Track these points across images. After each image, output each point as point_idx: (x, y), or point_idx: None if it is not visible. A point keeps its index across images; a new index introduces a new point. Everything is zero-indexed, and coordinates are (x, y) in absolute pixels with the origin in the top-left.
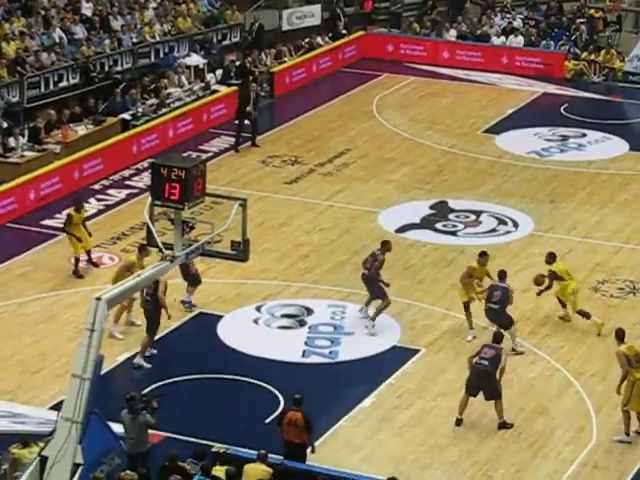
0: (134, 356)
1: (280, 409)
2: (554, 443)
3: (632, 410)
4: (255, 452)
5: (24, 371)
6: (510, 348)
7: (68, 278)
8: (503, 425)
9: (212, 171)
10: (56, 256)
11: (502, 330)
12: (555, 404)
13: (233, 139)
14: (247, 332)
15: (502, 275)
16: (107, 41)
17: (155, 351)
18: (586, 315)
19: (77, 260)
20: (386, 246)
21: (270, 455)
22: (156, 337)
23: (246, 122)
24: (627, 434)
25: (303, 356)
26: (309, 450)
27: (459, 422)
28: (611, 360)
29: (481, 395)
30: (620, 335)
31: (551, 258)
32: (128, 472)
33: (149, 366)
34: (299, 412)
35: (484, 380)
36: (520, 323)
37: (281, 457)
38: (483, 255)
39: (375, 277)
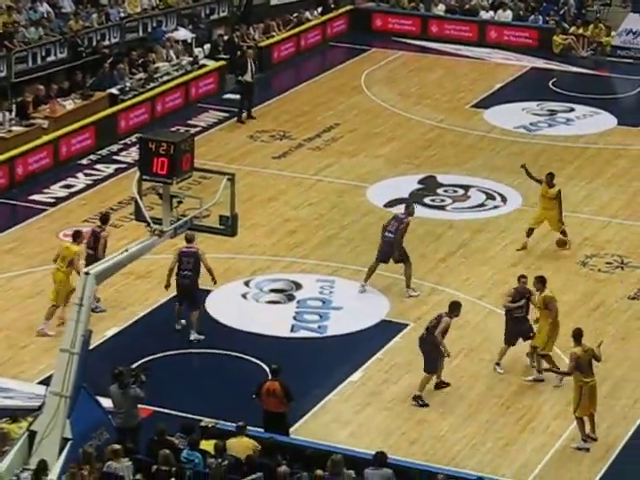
0: (124, 331)
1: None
2: (542, 417)
3: (582, 415)
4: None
5: (13, 345)
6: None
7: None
8: (417, 399)
9: (200, 146)
10: (44, 230)
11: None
12: (543, 378)
13: (221, 113)
14: (236, 307)
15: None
16: (95, 15)
17: (184, 322)
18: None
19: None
20: (410, 209)
21: (258, 429)
22: (145, 311)
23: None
24: (584, 440)
25: (292, 331)
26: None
27: (420, 399)
28: (599, 334)
29: (470, 368)
30: (577, 335)
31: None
32: (115, 446)
33: (203, 337)
34: (277, 382)
35: (421, 351)
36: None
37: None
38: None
39: (399, 242)
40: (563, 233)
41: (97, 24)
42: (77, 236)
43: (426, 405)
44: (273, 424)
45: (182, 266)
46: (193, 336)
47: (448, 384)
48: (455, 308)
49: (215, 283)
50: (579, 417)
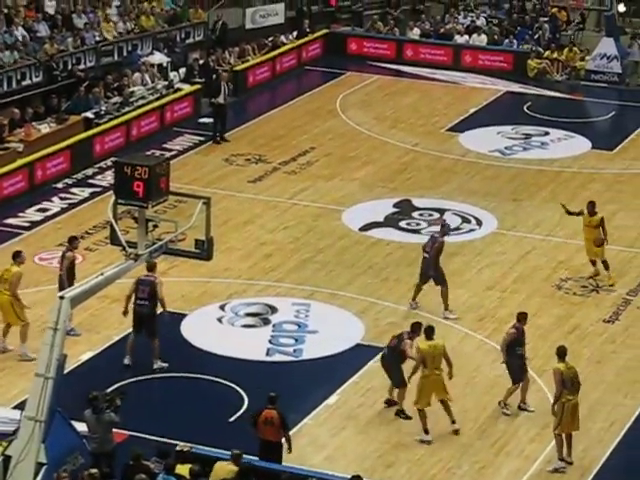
0: (99, 355)
1: (244, 408)
2: (517, 441)
3: (562, 432)
4: (221, 451)
5: None
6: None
7: (31, 277)
8: (400, 413)
9: (176, 169)
10: None
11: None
12: (518, 402)
13: (197, 137)
14: (211, 331)
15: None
16: (70, 39)
17: (132, 360)
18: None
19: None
20: (444, 229)
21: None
22: (120, 335)
23: (210, 120)
24: (561, 459)
25: (267, 354)
26: (286, 449)
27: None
28: (574, 357)
29: (452, 391)
30: (561, 353)
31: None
32: (92, 471)
33: (166, 365)
34: (274, 410)
35: (384, 369)
36: (485, 320)
37: (249, 456)
38: None
39: (435, 262)
40: (604, 263)
41: (72, 48)
42: (16, 256)
43: (409, 418)
44: (270, 453)
45: (138, 294)
46: (156, 365)
47: (409, 417)
48: (417, 329)
49: (163, 311)
50: (559, 434)
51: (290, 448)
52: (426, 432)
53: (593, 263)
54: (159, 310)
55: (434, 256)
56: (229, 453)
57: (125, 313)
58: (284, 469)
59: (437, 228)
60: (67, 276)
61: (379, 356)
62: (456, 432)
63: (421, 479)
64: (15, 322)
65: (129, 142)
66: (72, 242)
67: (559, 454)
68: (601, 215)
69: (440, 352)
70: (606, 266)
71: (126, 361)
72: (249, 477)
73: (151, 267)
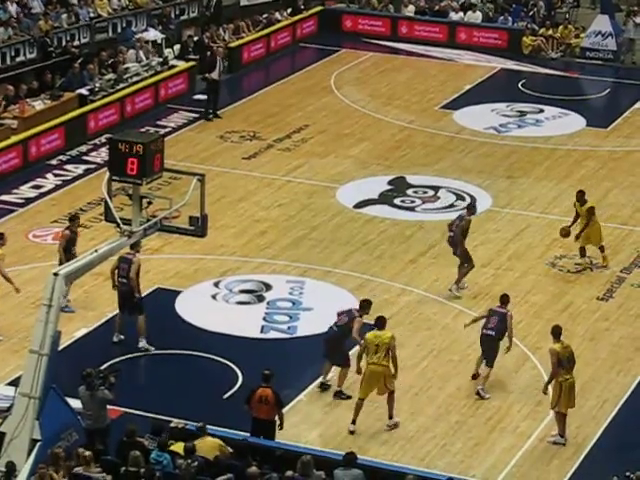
0: (93, 332)
1: (238, 385)
2: (511, 417)
3: (561, 410)
4: (215, 428)
5: None
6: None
7: (25, 253)
8: (339, 394)
9: (170, 146)
10: (13, 231)
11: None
12: (512, 379)
13: (191, 114)
14: (205, 308)
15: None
16: (64, 15)
17: (123, 336)
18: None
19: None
20: (472, 209)
21: (231, 430)
22: (114, 312)
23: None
24: (561, 435)
25: (262, 332)
26: (277, 425)
27: (323, 386)
28: (568, 335)
29: (440, 369)
30: (556, 332)
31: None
32: (85, 453)
33: (153, 349)
34: (269, 388)
35: (329, 346)
36: (479, 298)
37: (243, 433)
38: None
39: (460, 240)
40: (601, 249)
41: (67, 24)
42: (0, 237)
43: (349, 397)
44: (263, 432)
45: (119, 272)
46: (141, 343)
47: (349, 396)
48: (367, 306)
49: (135, 297)
50: (559, 412)
51: (282, 425)
52: (353, 422)
53: (582, 251)
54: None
55: (459, 235)
56: (224, 430)
57: (114, 287)
58: (278, 446)
59: (431, 205)
60: (64, 255)
61: (325, 338)
62: (395, 425)
63: (415, 456)
64: None
65: (123, 119)
66: (72, 221)
67: (560, 429)
68: (590, 204)
69: (385, 344)
70: (602, 249)
71: (115, 339)
72: (245, 454)
73: (133, 245)
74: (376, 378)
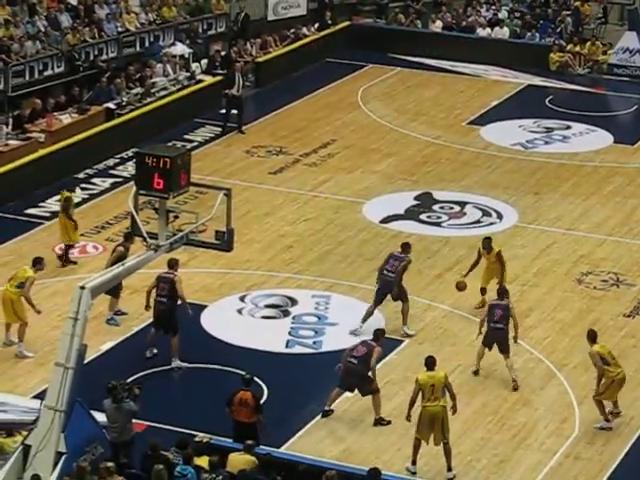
0: (119, 345)
1: (263, 399)
2: (537, 434)
3: (606, 400)
4: (233, 440)
5: (7, 359)
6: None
7: (52, 266)
8: (379, 421)
9: (197, 161)
10: (40, 245)
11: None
12: (538, 395)
13: (218, 129)
14: (231, 322)
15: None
16: (88, 29)
17: (156, 350)
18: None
19: (68, 247)
20: (408, 249)
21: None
22: (140, 326)
23: (233, 112)
24: (607, 420)
25: (287, 346)
26: (263, 432)
27: (326, 413)
28: (594, 390)
29: (466, 385)
30: (592, 336)
31: (489, 244)
32: (108, 464)
33: (187, 365)
34: (249, 392)
35: (354, 378)
36: None
37: (268, 447)
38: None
39: (399, 280)
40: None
41: (92, 38)
42: (37, 262)
43: (389, 422)
44: (244, 435)
45: (158, 291)
46: (175, 363)
47: (389, 421)
48: (382, 335)
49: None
50: (599, 400)
51: (264, 430)
52: (413, 462)
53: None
54: (180, 303)
55: (400, 274)
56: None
57: (147, 307)
58: (302, 461)
59: (457, 221)
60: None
61: (343, 367)
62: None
63: (440, 472)
64: (13, 320)
65: (150, 133)
66: (127, 239)
67: (604, 415)
68: (497, 249)
69: (442, 383)
70: (483, 291)
71: (148, 354)
72: (269, 468)
73: (172, 264)
74: (436, 419)
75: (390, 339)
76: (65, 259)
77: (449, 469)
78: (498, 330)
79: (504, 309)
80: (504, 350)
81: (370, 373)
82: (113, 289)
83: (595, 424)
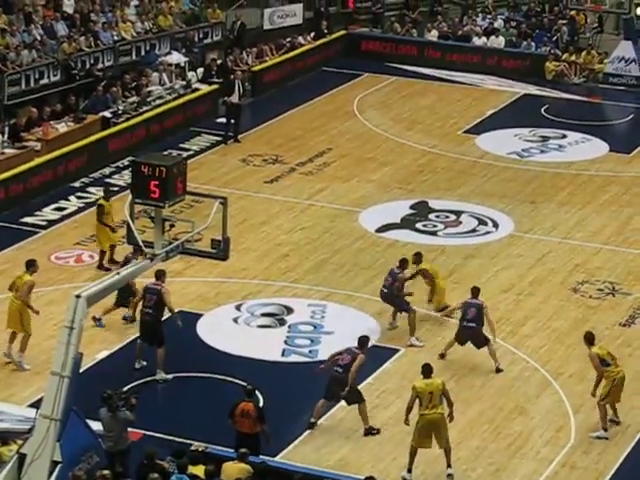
0: (114, 354)
1: (261, 404)
2: (533, 443)
3: (611, 403)
4: (234, 451)
5: (3, 368)
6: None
7: (47, 275)
8: (369, 431)
9: (193, 169)
10: (35, 253)
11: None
12: (534, 404)
13: (214, 137)
14: (227, 331)
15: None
16: (84, 38)
17: (145, 362)
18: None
19: (103, 253)
20: (405, 265)
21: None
22: (137, 334)
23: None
24: (605, 429)
25: (283, 355)
26: (265, 442)
27: (312, 426)
28: (589, 361)
29: (462, 394)
30: (589, 338)
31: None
32: (104, 472)
33: (170, 377)
34: (251, 402)
35: (340, 387)
36: (500, 323)
37: (264, 457)
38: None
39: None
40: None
41: (88, 47)
42: (30, 265)
43: (379, 431)
44: (246, 446)
45: (145, 302)
46: (159, 375)
47: (379, 430)
48: (367, 342)
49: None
50: (603, 405)
51: (268, 441)
52: (409, 471)
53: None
54: (167, 315)
55: (400, 288)
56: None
57: (133, 320)
58: (298, 469)
59: (453, 229)
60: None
61: (329, 377)
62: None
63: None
64: (19, 330)
65: (146, 142)
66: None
67: (603, 423)
68: (423, 267)
69: (440, 390)
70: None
71: (137, 365)
72: (264, 477)
73: (159, 275)
74: (435, 426)
75: (386, 348)
76: (99, 265)
77: (449, 465)
78: (470, 328)
79: (478, 308)
80: (480, 344)
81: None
82: (125, 298)
83: (591, 433)
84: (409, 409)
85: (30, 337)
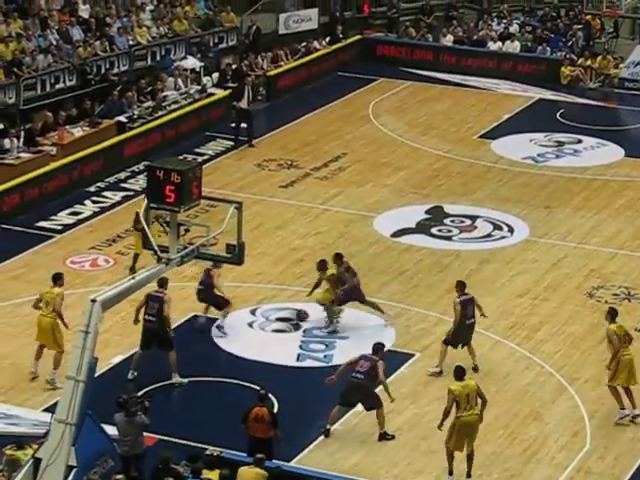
0: (128, 358)
1: (276, 410)
2: (548, 448)
3: (619, 384)
4: (247, 455)
5: (19, 372)
6: None
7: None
8: (383, 436)
9: (208, 174)
10: (51, 258)
11: None
12: (549, 409)
13: (229, 142)
14: (242, 335)
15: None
16: (104, 43)
17: (136, 373)
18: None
19: (137, 256)
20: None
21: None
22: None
23: (242, 125)
24: (623, 408)
25: (298, 360)
26: (276, 445)
27: (327, 433)
28: (606, 366)
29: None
30: (612, 314)
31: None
32: (118, 476)
33: (186, 381)
34: (264, 407)
35: (360, 394)
36: (516, 328)
37: (278, 461)
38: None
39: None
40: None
41: (104, 52)
42: (57, 279)
43: (393, 437)
44: (260, 450)
45: (147, 310)
46: (175, 379)
47: (393, 436)
48: (382, 348)
49: (171, 335)
50: (614, 387)
51: (279, 444)
52: (450, 473)
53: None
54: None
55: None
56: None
57: (136, 322)
58: (312, 474)
59: (468, 234)
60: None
61: (347, 383)
62: None
63: None
64: (52, 347)
65: (161, 146)
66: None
67: (619, 403)
68: (331, 272)
69: (475, 392)
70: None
71: (130, 376)
72: None
73: (162, 283)
74: (472, 428)
75: (401, 353)
76: (131, 267)
77: (469, 475)
78: (472, 325)
79: (473, 303)
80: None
81: (378, 388)
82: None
83: (615, 417)
84: (447, 413)
85: (63, 353)
